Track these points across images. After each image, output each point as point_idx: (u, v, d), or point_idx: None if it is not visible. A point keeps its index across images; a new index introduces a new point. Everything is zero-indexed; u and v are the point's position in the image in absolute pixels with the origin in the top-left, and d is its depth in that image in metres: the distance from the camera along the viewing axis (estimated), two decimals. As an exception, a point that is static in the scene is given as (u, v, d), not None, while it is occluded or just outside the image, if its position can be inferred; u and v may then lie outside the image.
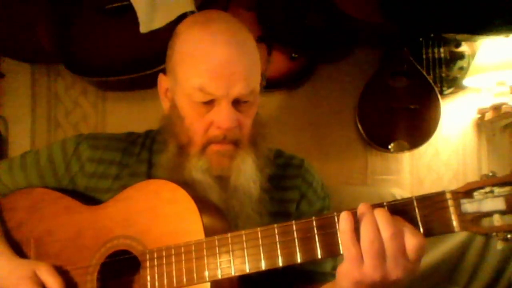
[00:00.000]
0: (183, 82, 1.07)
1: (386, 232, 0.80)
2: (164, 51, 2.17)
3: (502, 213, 0.78)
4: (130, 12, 2.10)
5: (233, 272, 0.89)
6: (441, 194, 0.82)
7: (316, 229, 0.86)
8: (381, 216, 0.82)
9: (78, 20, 2.18)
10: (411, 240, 0.80)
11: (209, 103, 1.05)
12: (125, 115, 2.40)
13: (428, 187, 2.39)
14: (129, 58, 2.16)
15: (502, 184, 0.79)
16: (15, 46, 2.22)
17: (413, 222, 0.82)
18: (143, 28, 2.09)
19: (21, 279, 1.02)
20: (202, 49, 1.04)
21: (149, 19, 2.09)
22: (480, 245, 2.10)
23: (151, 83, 2.27)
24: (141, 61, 2.13)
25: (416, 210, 0.82)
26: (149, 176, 1.15)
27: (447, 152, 2.40)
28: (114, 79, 2.20)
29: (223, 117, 1.04)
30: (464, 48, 2.34)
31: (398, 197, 2.18)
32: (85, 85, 2.41)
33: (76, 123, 2.42)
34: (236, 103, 1.06)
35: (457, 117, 2.39)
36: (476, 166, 2.39)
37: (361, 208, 0.83)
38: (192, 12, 2.08)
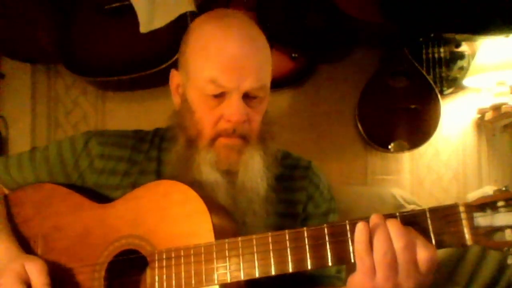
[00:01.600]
0: (195, 75, 1.08)
1: (398, 243, 0.80)
2: (164, 51, 2.17)
3: None
4: (130, 12, 2.10)
5: (242, 276, 0.89)
6: (454, 206, 0.82)
7: (328, 237, 0.85)
8: (394, 227, 0.82)
9: (78, 20, 2.18)
10: (423, 252, 0.80)
11: (220, 96, 1.06)
12: (125, 115, 2.40)
13: (428, 187, 2.39)
14: (129, 58, 2.16)
15: None
16: (15, 46, 2.23)
17: (425, 233, 0.82)
18: (143, 28, 2.09)
19: (7, 271, 1.01)
20: (215, 42, 1.06)
21: (149, 19, 2.09)
22: (480, 245, 2.09)
23: (151, 83, 2.29)
24: (141, 61, 2.13)
25: (429, 222, 0.82)
26: (159, 173, 1.15)
27: (447, 152, 2.40)
28: (114, 79, 2.20)
29: (233, 109, 1.05)
30: (464, 48, 2.33)
31: (398, 197, 2.21)
32: (85, 85, 2.41)
33: (76, 123, 2.42)
34: (247, 97, 1.07)
35: (457, 117, 2.39)
36: (476, 166, 2.39)
37: (374, 219, 0.83)
38: (192, 12, 2.08)
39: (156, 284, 0.95)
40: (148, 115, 2.31)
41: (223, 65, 1.04)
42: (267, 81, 1.10)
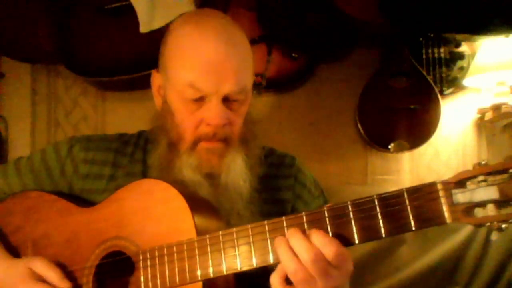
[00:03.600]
0: (174, 78, 1.07)
1: (304, 256, 0.80)
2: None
3: (495, 202, 0.76)
4: (130, 12, 2.10)
5: (224, 270, 0.89)
6: (432, 185, 0.79)
7: (306, 225, 0.84)
8: (296, 242, 0.81)
9: (78, 20, 2.18)
10: (331, 251, 0.80)
11: (200, 100, 1.05)
12: (125, 115, 2.40)
13: (428, 187, 2.39)
14: (129, 58, 2.16)
15: (495, 172, 0.76)
16: (15, 46, 2.22)
17: (403, 214, 0.79)
18: (143, 28, 2.09)
19: (18, 278, 1.01)
20: (193, 45, 1.04)
21: (149, 19, 2.09)
22: (480, 245, 2.10)
23: (151, 83, 2.28)
24: (141, 61, 2.13)
25: (407, 202, 0.80)
26: (145, 175, 1.14)
27: (447, 152, 2.40)
28: (114, 79, 2.20)
29: (213, 113, 1.04)
30: (464, 48, 2.34)
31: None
32: (85, 85, 2.41)
33: (76, 123, 2.42)
34: (227, 101, 1.06)
35: (457, 117, 2.39)
36: (476, 166, 2.39)
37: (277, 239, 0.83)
38: (192, 12, 2.08)
39: (142, 284, 0.95)
40: (148, 115, 2.30)
41: (200, 69, 1.03)
42: (248, 84, 1.09)
